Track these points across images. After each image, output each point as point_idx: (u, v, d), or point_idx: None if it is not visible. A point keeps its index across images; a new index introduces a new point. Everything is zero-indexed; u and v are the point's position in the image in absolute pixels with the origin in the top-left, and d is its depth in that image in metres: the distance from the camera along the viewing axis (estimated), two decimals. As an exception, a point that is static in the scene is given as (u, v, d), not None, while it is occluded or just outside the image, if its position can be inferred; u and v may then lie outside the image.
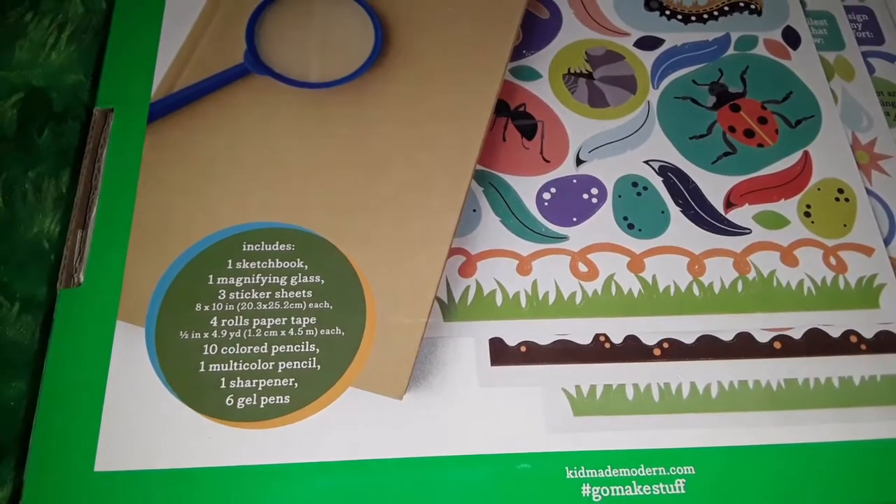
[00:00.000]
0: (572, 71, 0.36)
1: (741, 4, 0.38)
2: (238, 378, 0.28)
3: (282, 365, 0.28)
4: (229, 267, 0.30)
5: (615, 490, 0.27)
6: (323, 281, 0.30)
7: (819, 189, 0.33)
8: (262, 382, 0.28)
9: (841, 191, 0.33)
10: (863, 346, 0.30)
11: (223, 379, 0.28)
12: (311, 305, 0.29)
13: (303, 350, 0.28)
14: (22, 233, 0.32)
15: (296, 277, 0.30)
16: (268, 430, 0.27)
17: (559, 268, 0.31)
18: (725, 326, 0.30)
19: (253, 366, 0.28)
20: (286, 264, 0.30)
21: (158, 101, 0.33)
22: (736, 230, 0.32)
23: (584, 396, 0.28)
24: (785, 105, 0.35)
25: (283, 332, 0.29)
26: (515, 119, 0.34)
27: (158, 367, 0.28)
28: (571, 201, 0.32)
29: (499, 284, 0.30)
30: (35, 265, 0.32)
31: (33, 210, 0.33)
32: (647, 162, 0.33)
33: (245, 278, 0.29)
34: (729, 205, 0.33)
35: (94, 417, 0.27)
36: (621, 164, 0.33)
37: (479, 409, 0.28)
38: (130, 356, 0.28)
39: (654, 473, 0.27)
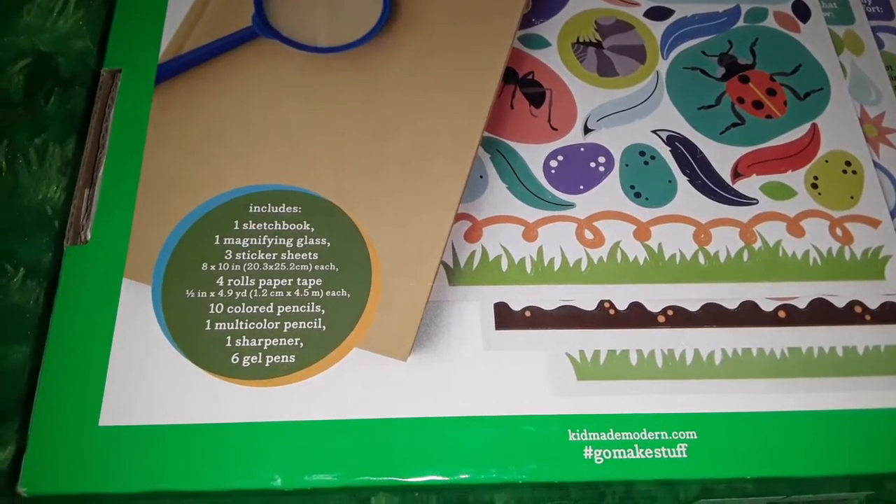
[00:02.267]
0: (581, 40, 0.36)
1: (752, -23, 0.38)
2: (244, 337, 0.28)
3: (287, 325, 0.28)
4: (236, 228, 0.30)
5: (617, 453, 0.27)
6: (329, 243, 0.30)
7: (826, 161, 0.33)
8: (268, 342, 0.28)
9: (848, 163, 0.33)
10: (867, 317, 0.30)
11: (229, 337, 0.28)
12: (317, 267, 0.29)
13: (308, 311, 0.28)
14: (27, 199, 0.32)
15: (302, 239, 0.30)
16: (272, 388, 0.27)
17: (565, 234, 0.31)
18: (730, 295, 0.30)
19: (259, 325, 0.28)
20: (293, 226, 0.30)
21: (166, 62, 0.33)
22: (743, 200, 0.32)
23: (587, 361, 0.29)
24: (794, 77, 0.35)
25: (288, 293, 0.29)
26: (524, 87, 0.34)
27: (164, 324, 0.28)
28: (578, 169, 0.32)
29: (504, 250, 0.30)
30: (40, 231, 0.32)
31: (38, 176, 0.33)
32: (655, 131, 0.33)
33: (251, 239, 0.29)
34: (736, 175, 0.33)
35: (100, 373, 0.27)
36: (629, 133, 0.33)
37: (484, 372, 0.28)
38: (136, 313, 0.28)
39: (657, 437, 0.27)
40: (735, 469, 0.27)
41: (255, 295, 0.29)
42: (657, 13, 0.36)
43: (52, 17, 0.37)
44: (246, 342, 0.28)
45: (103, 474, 0.26)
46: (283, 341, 0.28)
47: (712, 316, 0.30)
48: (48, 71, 0.36)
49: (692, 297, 0.30)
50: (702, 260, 0.31)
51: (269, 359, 0.28)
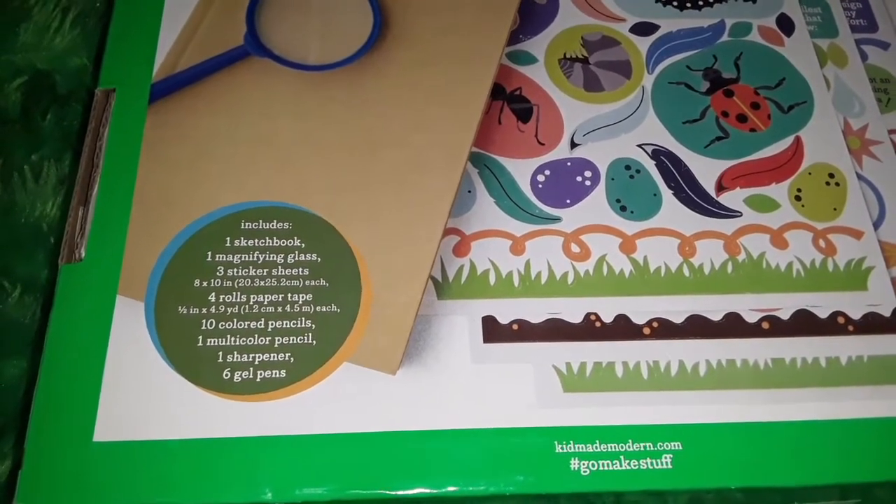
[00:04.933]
0: (568, 55, 0.36)
1: (737, -9, 0.39)
2: (235, 352, 0.28)
3: (278, 340, 0.29)
4: (228, 244, 0.30)
5: (603, 464, 0.27)
6: (319, 259, 0.30)
7: (810, 173, 0.34)
8: (259, 357, 0.28)
9: (832, 175, 0.34)
10: (850, 328, 0.30)
11: (220, 353, 0.28)
12: (307, 282, 0.30)
13: (299, 326, 0.29)
14: (24, 216, 0.33)
15: (293, 255, 0.30)
16: (264, 402, 0.28)
17: (552, 248, 0.31)
18: (714, 307, 0.30)
19: (250, 340, 0.29)
20: (283, 242, 0.30)
21: (160, 81, 0.33)
22: (727, 213, 0.32)
23: (574, 373, 0.29)
24: (778, 91, 0.36)
25: (279, 308, 0.29)
26: (511, 102, 0.35)
27: (157, 340, 0.28)
28: (565, 184, 0.33)
29: (492, 264, 0.31)
30: (36, 248, 0.32)
31: (34, 194, 0.33)
32: (640, 146, 0.34)
33: (243, 255, 0.30)
34: (720, 188, 0.33)
35: (94, 389, 0.28)
36: (615, 147, 0.34)
37: (472, 385, 0.29)
38: (130, 330, 0.29)
39: (642, 448, 0.28)
40: (719, 479, 0.28)
41: (247, 310, 0.29)
42: (643, 29, 0.37)
43: (49, 34, 0.37)
44: (237, 357, 0.28)
45: (98, 489, 0.27)
46: (273, 356, 0.28)
47: (697, 327, 0.30)
48: (45, 88, 0.36)
49: (677, 309, 0.30)
50: (686, 272, 0.31)
51: (261, 374, 0.28)
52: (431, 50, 0.34)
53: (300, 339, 0.29)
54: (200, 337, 0.28)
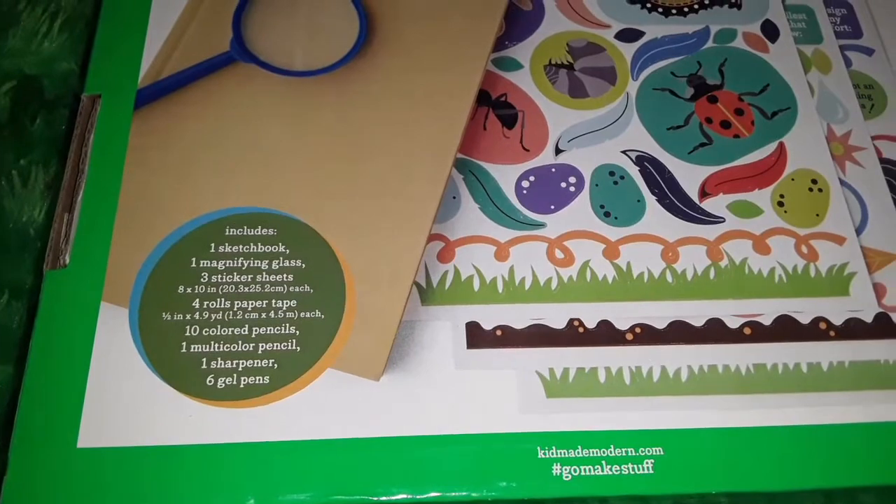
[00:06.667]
0: (553, 62, 0.36)
1: (722, -2, 0.39)
2: (219, 358, 0.28)
3: (262, 346, 0.29)
4: (212, 250, 0.30)
5: (585, 469, 0.27)
6: (304, 265, 0.30)
7: (793, 179, 0.34)
8: (243, 363, 0.28)
9: (815, 181, 0.34)
10: (832, 333, 0.31)
11: (204, 359, 0.28)
12: (291, 289, 0.30)
13: (283, 332, 0.29)
14: (11, 222, 0.33)
15: (277, 261, 0.30)
16: (247, 409, 0.28)
17: (536, 254, 0.31)
18: (697, 312, 0.31)
19: (234, 347, 0.29)
20: (268, 248, 0.30)
21: (145, 87, 0.33)
22: (710, 219, 0.33)
23: (556, 379, 0.29)
24: (761, 97, 0.36)
25: (263, 315, 0.29)
26: (496, 108, 0.35)
27: (141, 347, 0.28)
28: (549, 189, 0.33)
29: (476, 270, 0.31)
30: (23, 253, 0.32)
31: (22, 199, 0.33)
32: (624, 152, 0.34)
33: (227, 261, 0.30)
34: (704, 194, 0.33)
35: (78, 395, 0.28)
36: (599, 153, 0.34)
37: (455, 391, 0.29)
38: (114, 336, 0.29)
39: (624, 454, 0.28)
40: (702, 485, 0.28)
41: (231, 317, 0.29)
42: (628, 35, 0.37)
43: (37, 39, 0.37)
44: (221, 364, 0.28)
45: (82, 495, 0.27)
46: (257, 363, 0.28)
47: (679, 333, 0.30)
48: (33, 93, 0.36)
49: (660, 314, 0.31)
50: (669, 278, 0.31)
51: (244, 380, 0.28)
52: (417, 56, 0.34)
53: (284, 346, 0.29)
54: (184, 343, 0.29)
